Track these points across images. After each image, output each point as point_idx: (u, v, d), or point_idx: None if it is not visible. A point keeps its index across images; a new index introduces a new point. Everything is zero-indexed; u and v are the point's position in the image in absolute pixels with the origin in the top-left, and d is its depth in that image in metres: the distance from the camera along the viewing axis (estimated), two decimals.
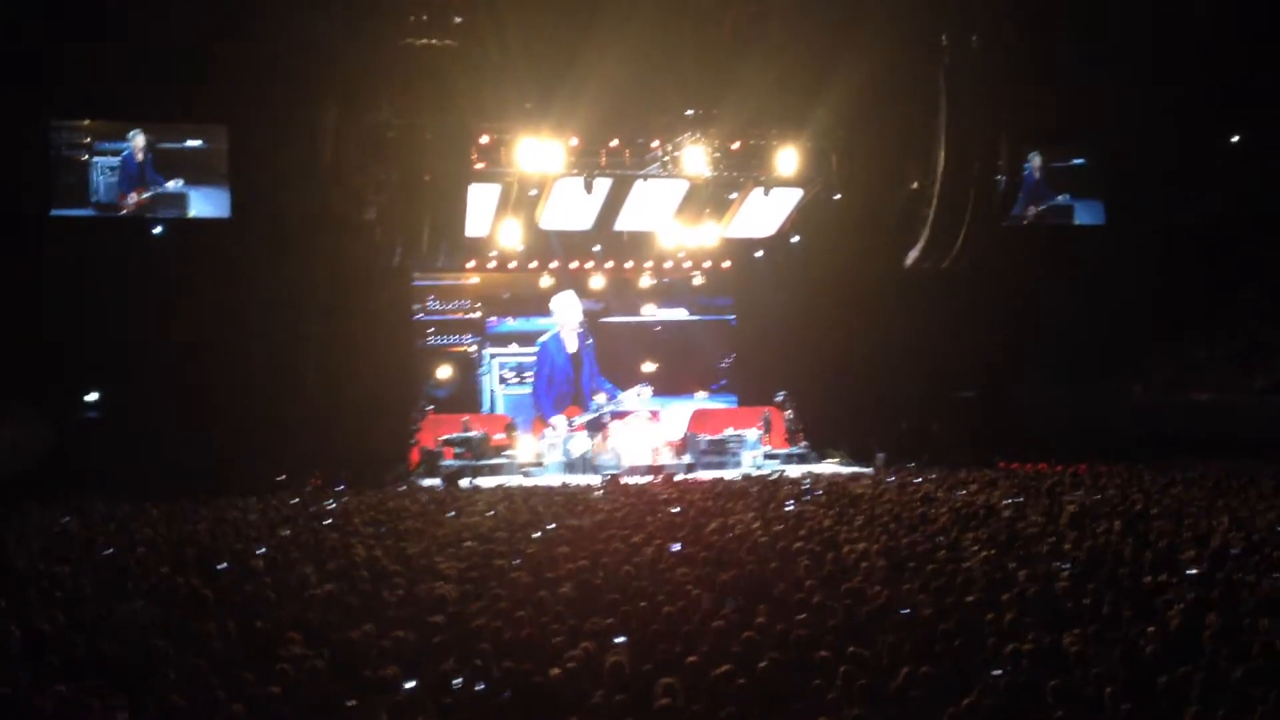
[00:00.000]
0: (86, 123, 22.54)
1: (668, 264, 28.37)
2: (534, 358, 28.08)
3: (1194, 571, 10.00)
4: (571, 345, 27.99)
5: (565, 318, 27.95)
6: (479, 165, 22.38)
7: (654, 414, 26.67)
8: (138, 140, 22.58)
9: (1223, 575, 9.54)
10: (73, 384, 22.88)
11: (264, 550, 12.27)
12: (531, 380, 28.12)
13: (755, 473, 22.74)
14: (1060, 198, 27.70)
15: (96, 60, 20.78)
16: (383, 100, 20.88)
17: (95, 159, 22.42)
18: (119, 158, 22.52)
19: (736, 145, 23.44)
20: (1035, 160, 27.12)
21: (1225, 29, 24.64)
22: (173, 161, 22.84)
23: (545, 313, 28.11)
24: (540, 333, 28.13)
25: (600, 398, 26.98)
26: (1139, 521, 13.13)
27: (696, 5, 21.44)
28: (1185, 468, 19.59)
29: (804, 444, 26.60)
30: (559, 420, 26.04)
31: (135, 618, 8.68)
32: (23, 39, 20.49)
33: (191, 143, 22.97)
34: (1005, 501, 15.61)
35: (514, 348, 28.37)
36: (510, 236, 25.07)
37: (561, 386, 27.85)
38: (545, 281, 27.74)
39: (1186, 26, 24.30)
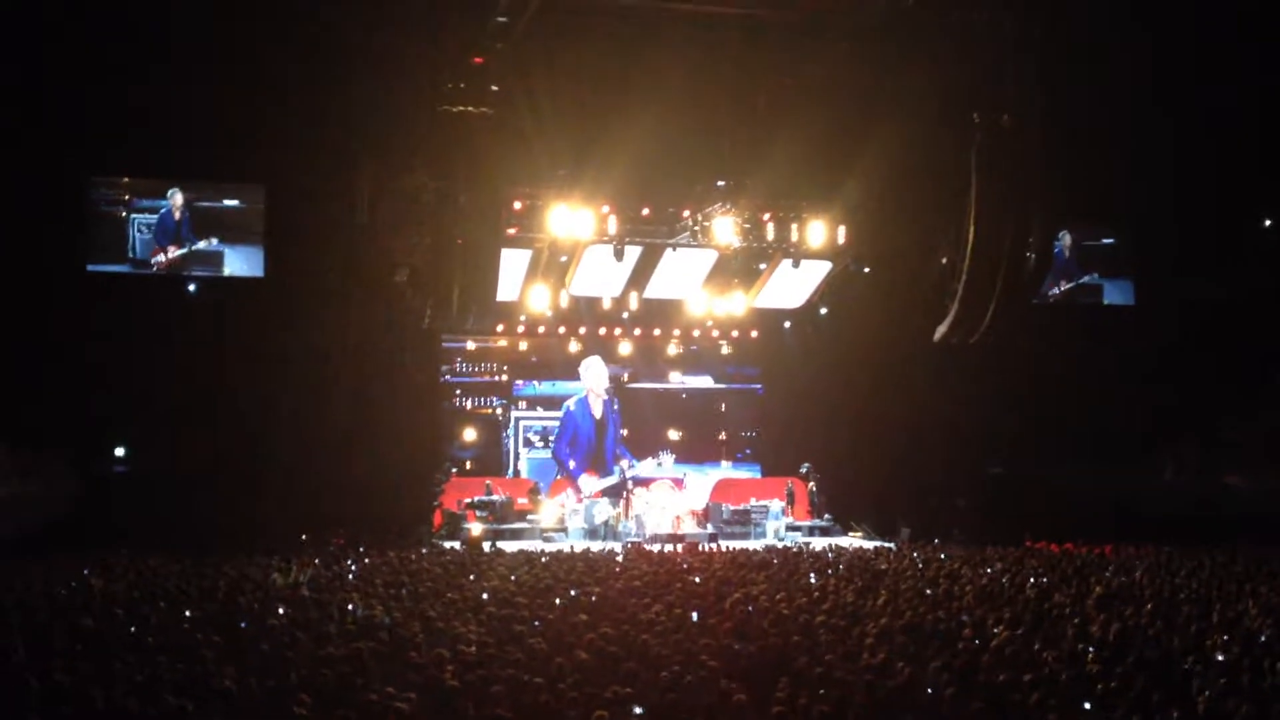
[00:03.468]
0: (125, 180, 22.91)
1: (695, 332, 28.47)
2: (559, 421, 28.14)
3: (1222, 657, 9.85)
4: (597, 410, 28.08)
5: (593, 382, 28.12)
6: (511, 230, 22.55)
7: (678, 481, 26.60)
8: (176, 198, 22.93)
9: (1251, 661, 9.39)
10: (102, 438, 23.03)
11: (284, 609, 12.28)
12: (554, 442, 28.19)
13: (778, 544, 22.59)
14: (1089, 276, 27.66)
15: (136, 118, 21.15)
16: (418, 165, 21.10)
17: (133, 216, 22.76)
18: (156, 215, 22.85)
19: (767, 216, 23.51)
20: (1065, 238, 27.08)
21: (1255, 111, 24.69)
22: (210, 220, 23.17)
23: (572, 377, 28.28)
24: (566, 397, 28.24)
25: (623, 464, 27.02)
26: (1167, 605, 12.95)
27: (729, 77, 21.63)
28: (1215, 551, 19.33)
29: (828, 517, 26.46)
30: (585, 481, 26.09)
31: (155, 673, 8.67)
32: (64, 95, 20.90)
33: (229, 202, 23.31)
34: (1031, 581, 15.43)
35: (540, 411, 28.47)
36: (539, 301, 25.26)
37: (584, 449, 27.90)
38: (573, 347, 27.90)
39: (1218, 109, 24.34)
